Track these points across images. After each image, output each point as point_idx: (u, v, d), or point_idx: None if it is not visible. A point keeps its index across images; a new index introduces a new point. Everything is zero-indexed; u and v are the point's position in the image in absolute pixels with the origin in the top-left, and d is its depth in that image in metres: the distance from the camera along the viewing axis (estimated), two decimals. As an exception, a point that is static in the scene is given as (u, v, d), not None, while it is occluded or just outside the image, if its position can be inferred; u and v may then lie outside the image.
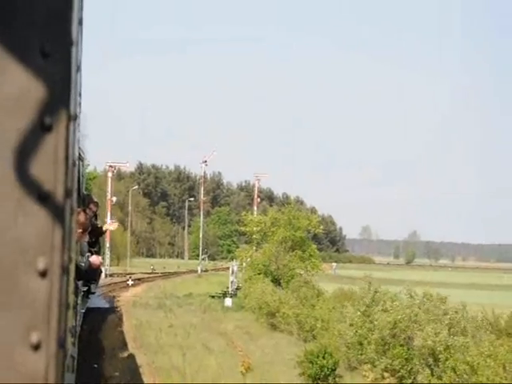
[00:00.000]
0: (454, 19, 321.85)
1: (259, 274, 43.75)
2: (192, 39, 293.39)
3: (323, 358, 19.00)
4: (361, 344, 21.13)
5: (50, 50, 1.43)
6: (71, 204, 1.52)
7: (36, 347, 1.39)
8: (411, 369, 18.94)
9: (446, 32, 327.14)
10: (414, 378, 18.76)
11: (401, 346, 19.28)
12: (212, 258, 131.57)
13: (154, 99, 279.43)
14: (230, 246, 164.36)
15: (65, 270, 1.44)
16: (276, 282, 43.32)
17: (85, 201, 12.63)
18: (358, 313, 21.80)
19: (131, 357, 20.99)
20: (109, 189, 70.21)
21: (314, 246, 48.00)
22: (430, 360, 18.55)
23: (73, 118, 1.47)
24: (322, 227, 51.75)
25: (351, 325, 21.83)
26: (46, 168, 1.40)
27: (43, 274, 1.40)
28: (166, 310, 36.86)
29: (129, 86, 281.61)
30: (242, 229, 49.47)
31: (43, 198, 1.40)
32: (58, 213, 1.41)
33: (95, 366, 19.72)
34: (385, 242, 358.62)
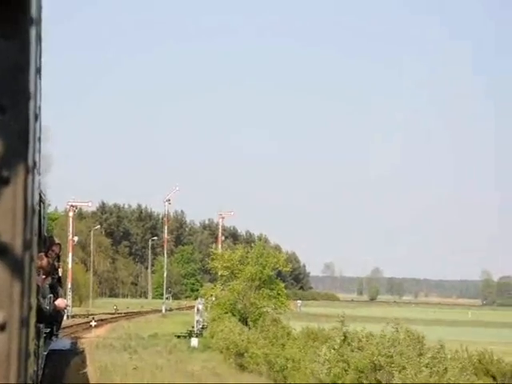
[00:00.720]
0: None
1: (225, 312, 42.95)
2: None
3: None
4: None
5: (7, 105, 1.41)
6: (31, 255, 1.48)
7: None
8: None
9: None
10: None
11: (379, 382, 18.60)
12: (176, 296, 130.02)
13: (114, 137, 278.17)
14: (193, 284, 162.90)
15: (24, 323, 1.42)
16: (243, 320, 42.55)
17: (46, 243, 12.67)
18: (332, 350, 21.13)
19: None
20: (70, 229, 69.16)
21: (282, 285, 47.44)
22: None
23: (31, 169, 1.46)
24: (289, 266, 51.20)
25: (324, 363, 21.11)
26: (3, 220, 1.39)
27: (2, 328, 1.38)
28: (131, 352, 35.88)
29: (89, 125, 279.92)
30: (210, 264, 48.66)
31: (1, 250, 1.38)
32: (16, 266, 1.39)
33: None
34: (348, 278, 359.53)
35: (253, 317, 42.56)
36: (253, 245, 50.18)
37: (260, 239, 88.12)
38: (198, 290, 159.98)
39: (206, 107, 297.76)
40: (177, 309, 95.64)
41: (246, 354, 31.03)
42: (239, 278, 44.39)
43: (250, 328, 40.29)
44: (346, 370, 20.27)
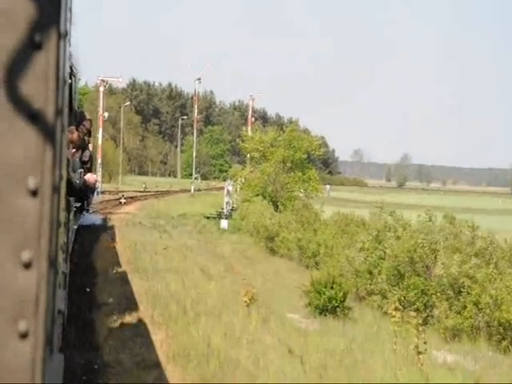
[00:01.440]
0: None
1: (256, 195, 42.20)
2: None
3: (331, 288, 17.59)
4: (370, 273, 19.71)
5: None
6: (62, 123, 1.50)
7: (27, 266, 1.42)
8: (427, 301, 17.51)
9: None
10: (430, 312, 17.37)
11: (417, 275, 17.77)
12: (204, 177, 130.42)
13: (147, 10, 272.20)
14: (222, 165, 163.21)
15: (55, 190, 1.44)
16: (273, 203, 41.86)
17: (77, 117, 12.72)
18: (370, 237, 20.27)
19: (126, 282, 19.61)
20: (100, 104, 68.21)
21: (314, 169, 46.24)
22: (450, 292, 17.09)
23: (63, 36, 1.45)
24: (322, 150, 49.85)
25: (361, 250, 20.29)
26: (36, 86, 1.38)
27: (34, 193, 1.41)
28: (161, 231, 35.51)
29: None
30: (240, 146, 47.30)
31: (33, 116, 1.39)
32: (48, 132, 1.39)
33: (87, 290, 18.50)
34: (376, 164, 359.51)
35: (283, 200, 41.84)
36: (284, 128, 48.86)
37: (291, 122, 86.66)
38: (226, 171, 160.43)
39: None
40: (205, 189, 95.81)
41: (276, 238, 30.45)
42: (270, 161, 43.31)
43: (280, 211, 39.66)
44: (382, 259, 19.45)
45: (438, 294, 17.17)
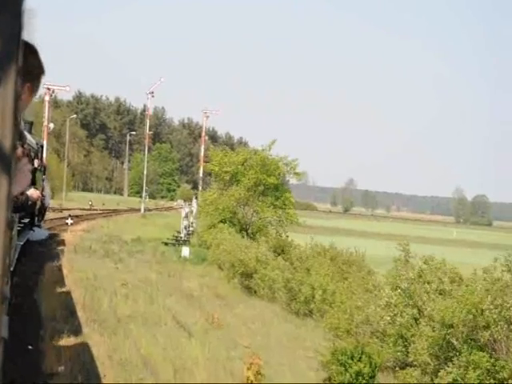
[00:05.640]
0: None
1: (222, 221, 37.48)
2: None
3: (359, 360, 13.16)
4: (402, 337, 15.12)
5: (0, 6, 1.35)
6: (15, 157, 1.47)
7: None
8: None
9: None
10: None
11: (479, 349, 13.13)
12: (151, 196, 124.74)
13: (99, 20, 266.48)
14: (170, 184, 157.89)
15: (9, 226, 1.41)
16: (243, 231, 37.28)
17: (22, 135, 11.80)
18: (398, 290, 15.67)
19: (81, 339, 14.79)
20: (46, 114, 62.84)
21: (290, 193, 41.66)
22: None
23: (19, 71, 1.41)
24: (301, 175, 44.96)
25: (386, 306, 15.61)
26: None
27: None
28: (115, 260, 30.66)
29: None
30: (210, 167, 42.19)
31: None
32: (4, 168, 1.38)
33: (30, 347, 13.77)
34: (321, 188, 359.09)
35: (255, 227, 37.31)
36: (236, 148, 44.30)
37: (241, 142, 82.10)
38: (174, 190, 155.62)
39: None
40: (155, 209, 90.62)
41: (255, 275, 25.81)
42: (241, 183, 38.60)
43: (250, 238, 35.16)
44: (416, 319, 14.91)
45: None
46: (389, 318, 15.22)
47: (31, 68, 3.40)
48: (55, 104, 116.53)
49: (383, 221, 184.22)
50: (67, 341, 14.84)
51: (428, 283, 15.24)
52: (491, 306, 12.76)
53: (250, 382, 11.97)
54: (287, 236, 35.79)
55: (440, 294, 15.00)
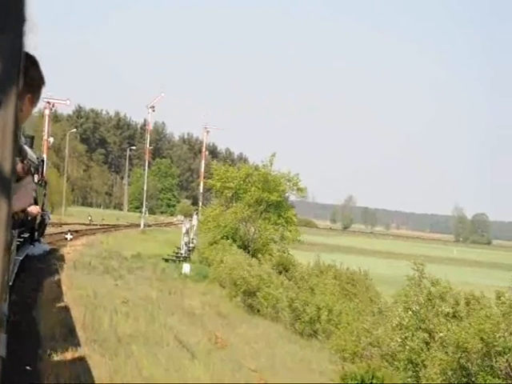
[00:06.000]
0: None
1: (225, 238, 36.98)
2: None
3: (371, 384, 12.63)
4: (412, 363, 14.55)
5: (2, 25, 1.33)
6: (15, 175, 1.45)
7: None
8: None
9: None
10: None
11: (493, 375, 12.59)
12: (151, 211, 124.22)
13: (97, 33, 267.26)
14: (170, 199, 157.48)
15: (7, 248, 1.40)
16: (244, 248, 36.75)
17: (22, 151, 11.86)
18: (409, 312, 15.12)
19: (81, 362, 14.25)
20: (46, 128, 62.52)
21: (293, 211, 41.08)
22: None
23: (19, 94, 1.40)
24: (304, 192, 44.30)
25: (397, 328, 15.05)
26: None
27: None
28: (115, 276, 30.13)
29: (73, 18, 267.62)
30: (211, 182, 41.63)
31: None
32: (4, 190, 1.37)
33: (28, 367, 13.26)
34: (320, 205, 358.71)
35: (258, 245, 36.79)
36: (237, 163, 43.82)
37: (241, 158, 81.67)
38: (174, 205, 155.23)
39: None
40: (155, 224, 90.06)
41: (258, 294, 25.29)
42: (243, 200, 38.13)
43: (253, 256, 34.68)
44: (426, 343, 14.34)
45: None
46: (400, 340, 14.66)
47: (32, 79, 3.34)
48: (55, 118, 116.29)
49: (383, 238, 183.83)
50: (67, 361, 14.36)
51: (439, 306, 14.71)
52: (506, 334, 12.24)
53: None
54: (289, 254, 35.31)
55: (454, 317, 14.46)
